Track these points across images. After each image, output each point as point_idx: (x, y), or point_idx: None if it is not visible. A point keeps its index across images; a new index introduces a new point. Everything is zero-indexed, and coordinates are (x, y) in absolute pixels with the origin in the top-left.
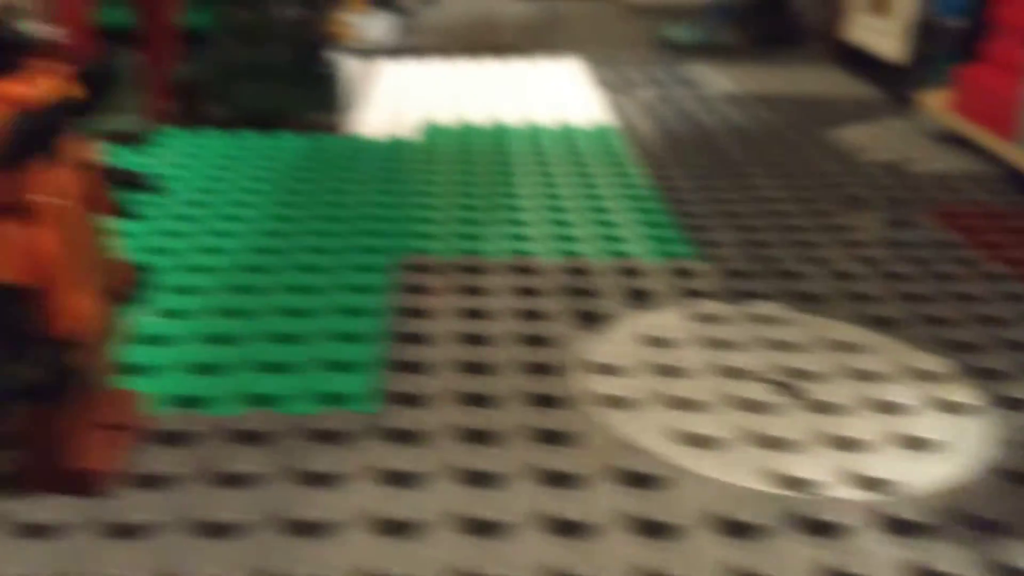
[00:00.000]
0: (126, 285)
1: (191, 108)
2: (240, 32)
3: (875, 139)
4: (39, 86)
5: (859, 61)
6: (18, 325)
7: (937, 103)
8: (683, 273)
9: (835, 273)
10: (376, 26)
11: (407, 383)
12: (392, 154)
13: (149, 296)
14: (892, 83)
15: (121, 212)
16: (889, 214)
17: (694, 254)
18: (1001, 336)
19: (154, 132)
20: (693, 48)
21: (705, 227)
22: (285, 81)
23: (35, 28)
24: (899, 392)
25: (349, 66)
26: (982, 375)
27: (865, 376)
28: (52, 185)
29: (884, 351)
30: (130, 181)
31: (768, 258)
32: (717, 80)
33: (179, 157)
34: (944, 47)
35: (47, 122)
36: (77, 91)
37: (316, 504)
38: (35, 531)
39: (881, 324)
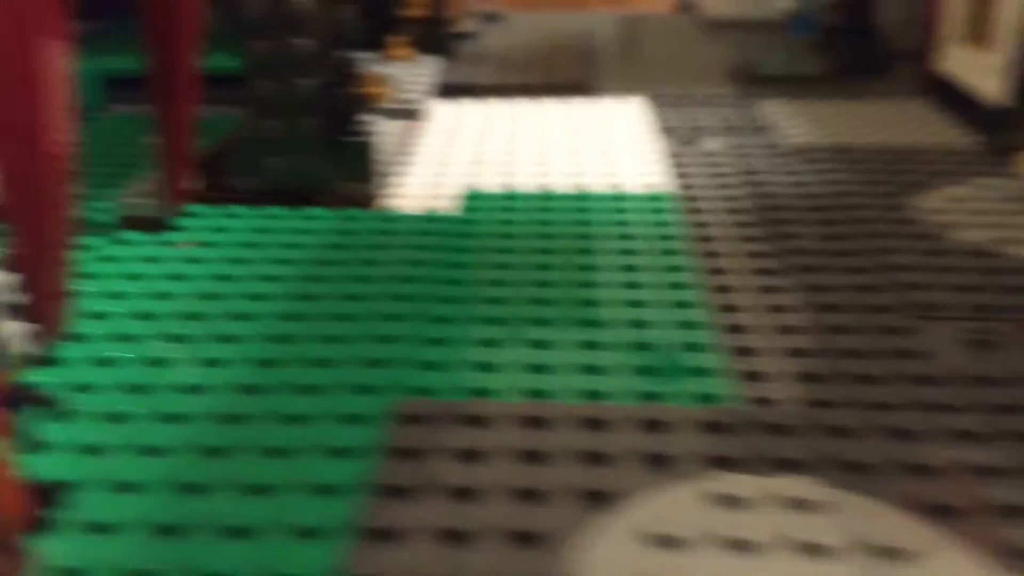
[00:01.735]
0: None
1: (216, 183)
2: (266, 103)
3: (965, 207)
4: None
5: (953, 97)
6: None
7: None
8: (714, 428)
9: (892, 431)
10: (421, 75)
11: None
12: (423, 234)
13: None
14: (992, 128)
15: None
16: (971, 327)
17: (730, 397)
18: None
19: (176, 213)
20: (774, 79)
21: (751, 350)
22: (315, 152)
23: None
24: None
25: (386, 128)
26: None
27: None
28: None
29: (945, 558)
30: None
31: (818, 400)
32: (793, 125)
33: (203, 236)
34: None
35: None
36: None
37: None
38: None
39: (942, 514)
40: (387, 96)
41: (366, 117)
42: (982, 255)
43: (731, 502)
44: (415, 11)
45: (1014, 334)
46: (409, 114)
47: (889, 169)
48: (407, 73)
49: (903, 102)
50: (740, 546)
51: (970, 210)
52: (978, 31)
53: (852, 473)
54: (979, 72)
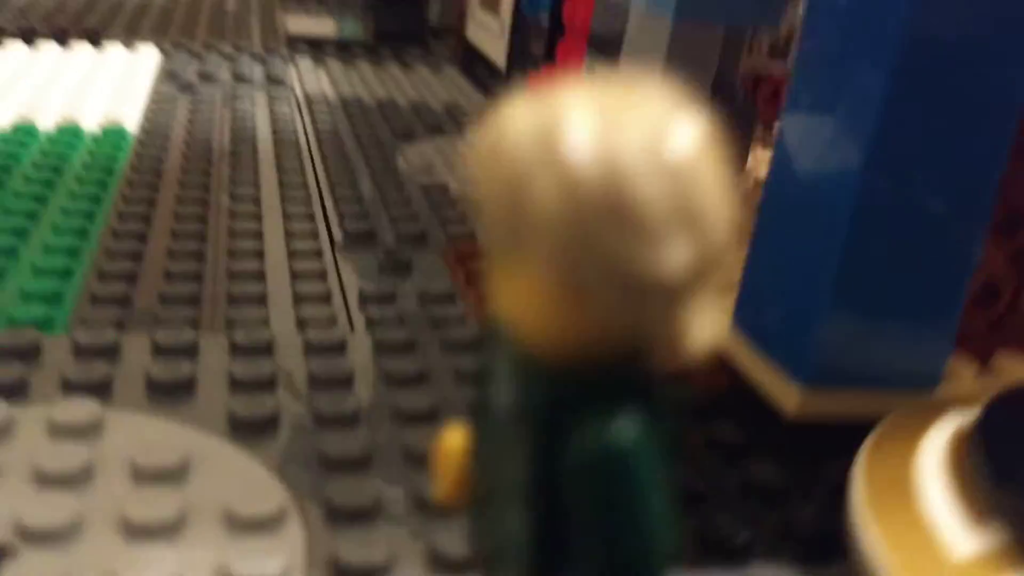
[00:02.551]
0: None
1: None
2: None
3: (444, 157)
4: None
5: (478, 65)
6: None
7: None
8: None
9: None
10: None
11: None
12: None
13: None
14: (497, 88)
15: None
16: (395, 255)
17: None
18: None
19: None
20: (312, 41)
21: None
22: None
23: None
24: None
25: None
26: None
27: None
28: None
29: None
30: None
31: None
32: (313, 81)
33: None
34: (535, 49)
35: None
36: None
37: None
38: None
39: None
40: None
41: None
42: (444, 192)
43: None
44: None
45: (439, 261)
46: None
47: (387, 121)
48: None
49: (433, 67)
50: None
51: (449, 159)
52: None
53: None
54: (490, 36)
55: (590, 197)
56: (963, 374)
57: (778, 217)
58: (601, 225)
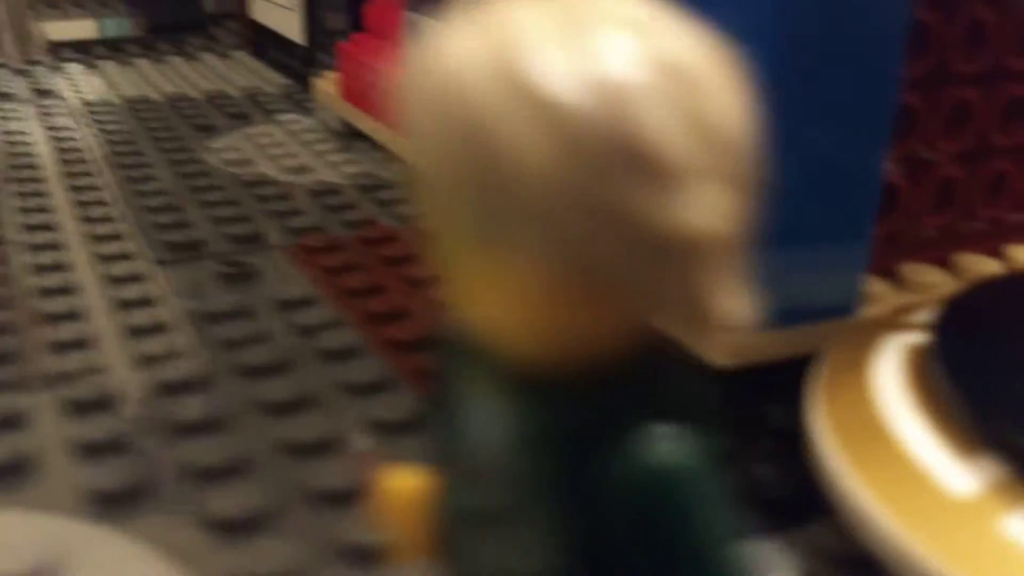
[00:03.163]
0: None
1: None
2: None
3: (255, 148)
4: None
5: (270, 46)
6: None
7: (331, 91)
8: None
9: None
10: None
11: None
12: None
13: None
14: (298, 69)
15: None
16: (232, 263)
17: None
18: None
19: None
20: (87, 46)
21: None
22: None
23: None
24: None
25: None
26: None
27: None
28: None
29: None
30: None
31: None
32: (88, 86)
33: None
34: (333, 19)
35: None
36: None
37: None
38: None
39: None
40: None
41: None
42: (259, 185)
43: None
44: None
45: (281, 259)
46: None
47: (185, 118)
48: None
49: (221, 55)
50: None
51: (263, 146)
52: None
53: None
54: (282, 15)
55: (590, 138)
56: (876, 293)
57: None
58: (610, 174)
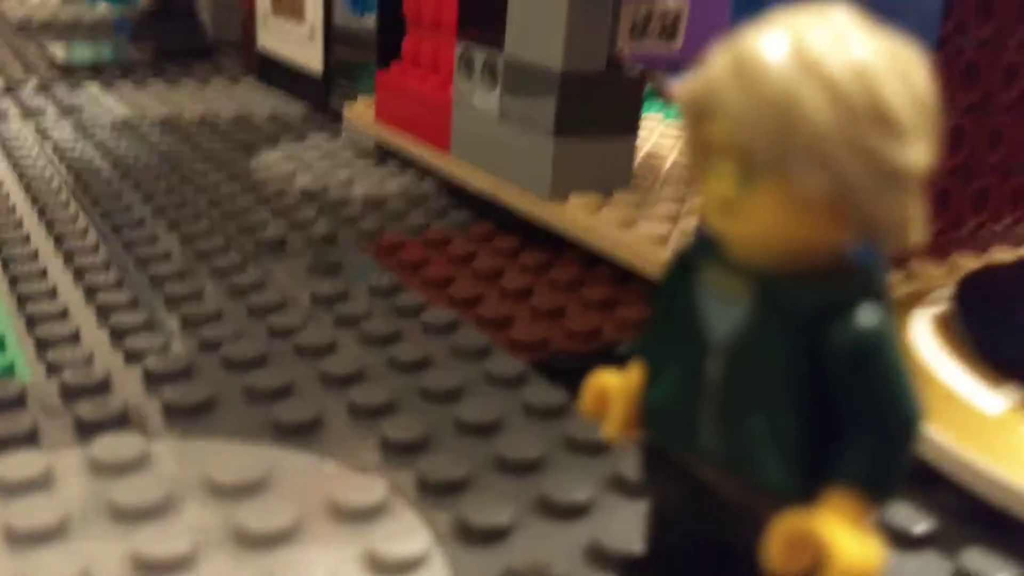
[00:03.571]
0: None
1: None
2: None
3: (299, 164)
4: None
5: (280, 73)
6: None
7: (363, 115)
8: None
9: (228, 361)
10: None
11: None
12: None
13: None
14: (315, 96)
15: None
16: (319, 257)
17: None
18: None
19: None
20: (90, 69)
21: (49, 317)
22: None
23: None
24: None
25: None
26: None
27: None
28: None
29: (307, 476)
30: None
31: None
32: (111, 105)
33: None
34: (363, 49)
35: None
36: None
37: None
38: None
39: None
40: None
41: None
42: (317, 196)
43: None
44: None
45: (363, 254)
46: None
47: (220, 137)
48: None
49: (231, 81)
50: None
51: (302, 165)
52: (290, 5)
53: (187, 419)
54: (295, 44)
55: (856, 105)
56: (893, 282)
57: None
58: (867, 128)
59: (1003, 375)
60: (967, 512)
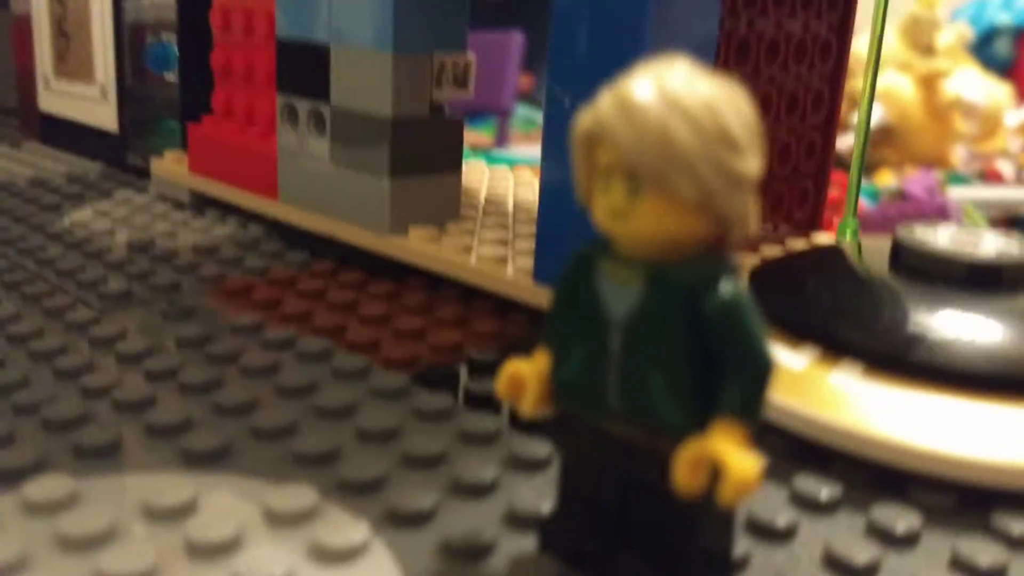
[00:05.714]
0: None
1: None
2: None
3: (115, 219)
4: None
5: (67, 135)
6: None
7: (172, 169)
8: None
9: (123, 404)
10: None
11: None
12: None
13: None
14: (111, 154)
15: None
16: (171, 304)
17: None
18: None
19: None
20: None
21: None
22: None
23: None
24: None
25: None
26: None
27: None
28: None
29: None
30: None
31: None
32: None
33: None
34: (160, 105)
35: None
36: None
37: None
38: None
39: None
40: None
41: None
42: (144, 249)
43: None
44: None
45: (208, 302)
46: None
47: (25, 199)
48: None
49: (12, 147)
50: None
51: (119, 220)
52: (76, 67)
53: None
54: (88, 105)
55: (710, 131)
56: None
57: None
58: (718, 148)
59: (799, 339)
60: (794, 450)
